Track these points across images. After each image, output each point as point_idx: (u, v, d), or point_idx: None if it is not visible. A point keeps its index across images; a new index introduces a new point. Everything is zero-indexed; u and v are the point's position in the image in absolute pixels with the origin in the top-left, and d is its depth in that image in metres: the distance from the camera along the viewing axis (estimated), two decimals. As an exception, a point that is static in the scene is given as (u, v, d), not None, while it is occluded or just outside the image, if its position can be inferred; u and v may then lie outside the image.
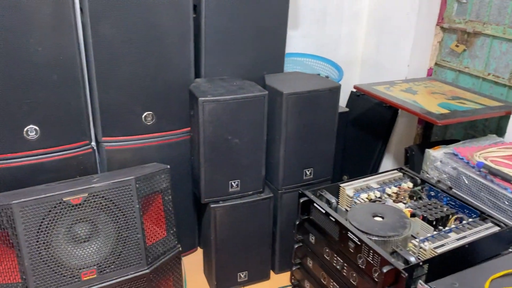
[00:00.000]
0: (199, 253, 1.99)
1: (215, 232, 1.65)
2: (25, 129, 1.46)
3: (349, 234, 1.20)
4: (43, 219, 1.24)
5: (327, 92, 1.61)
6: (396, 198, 1.42)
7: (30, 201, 1.22)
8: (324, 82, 1.68)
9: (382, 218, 1.27)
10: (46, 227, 1.25)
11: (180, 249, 1.55)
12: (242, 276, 1.76)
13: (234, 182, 1.62)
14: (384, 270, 1.06)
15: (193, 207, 1.91)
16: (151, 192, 1.43)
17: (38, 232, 1.24)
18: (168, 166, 1.51)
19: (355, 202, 1.39)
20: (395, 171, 1.54)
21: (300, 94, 1.56)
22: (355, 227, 1.22)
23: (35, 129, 1.47)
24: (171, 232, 1.53)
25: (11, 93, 1.40)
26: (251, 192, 1.67)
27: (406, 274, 1.03)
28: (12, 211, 1.20)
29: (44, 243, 1.25)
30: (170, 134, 1.71)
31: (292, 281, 1.52)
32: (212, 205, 1.62)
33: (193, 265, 1.91)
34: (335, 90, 1.63)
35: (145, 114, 1.63)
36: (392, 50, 2.22)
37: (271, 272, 1.85)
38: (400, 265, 1.07)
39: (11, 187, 1.48)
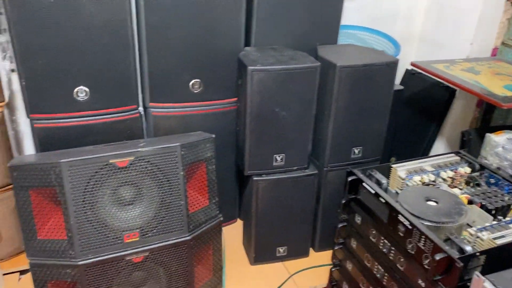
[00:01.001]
0: (238, 225, 1.98)
1: (256, 205, 1.63)
2: (75, 90, 1.47)
3: (400, 217, 1.14)
4: (90, 179, 1.25)
5: (383, 66, 1.52)
6: (452, 183, 1.33)
7: (78, 161, 1.23)
8: (380, 56, 1.59)
9: (436, 202, 1.20)
10: (92, 187, 1.26)
11: (222, 219, 1.53)
12: (281, 251, 1.73)
13: (279, 156, 1.58)
14: (437, 258, 1.00)
15: (235, 179, 1.89)
16: (196, 160, 1.42)
17: (84, 191, 1.25)
18: (213, 136, 1.48)
19: (407, 185, 1.31)
20: (452, 154, 1.45)
21: (355, 68, 1.48)
22: (406, 210, 1.15)
23: (85, 91, 1.48)
24: (213, 201, 1.51)
25: (63, 54, 1.41)
26: (295, 168, 1.62)
27: (461, 264, 0.96)
28: (61, 170, 1.22)
29: (89, 203, 1.26)
30: (216, 103, 1.68)
31: (334, 260, 1.48)
32: (255, 178, 1.59)
33: (232, 236, 1.90)
34: (393, 65, 1.53)
35: (192, 81, 1.60)
36: (454, 26, 2.07)
37: (311, 250, 1.81)
38: (455, 254, 1.00)
39: (60, 146, 1.51)
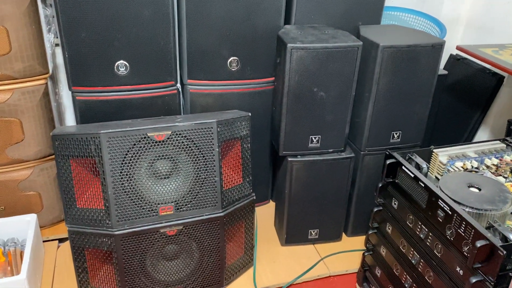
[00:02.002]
0: (270, 206, 1.98)
1: (290, 186, 1.61)
2: (116, 64, 1.49)
3: (440, 202, 1.10)
4: (128, 151, 1.28)
5: (429, 48, 1.46)
6: (496, 170, 1.27)
7: (117, 133, 1.26)
8: (426, 37, 1.53)
9: (479, 189, 1.15)
10: (130, 159, 1.28)
11: (255, 197, 1.53)
12: (313, 233, 1.72)
13: (315, 138, 1.56)
14: (478, 245, 0.96)
15: (269, 160, 1.89)
16: (231, 138, 1.42)
17: (122, 163, 1.28)
18: (249, 114, 1.47)
19: (448, 171, 1.26)
20: (498, 141, 1.38)
21: (398, 48, 1.42)
22: (447, 195, 1.11)
23: (125, 65, 1.50)
24: (247, 180, 1.51)
25: (105, 28, 1.43)
26: (331, 150, 1.60)
27: (504, 252, 0.92)
28: (100, 140, 1.25)
29: (127, 174, 1.29)
30: (253, 82, 1.67)
31: (367, 245, 1.45)
32: (289, 159, 1.57)
33: (264, 216, 1.91)
34: (439, 47, 1.47)
35: (230, 59, 1.59)
36: (506, 9, 1.96)
37: (343, 234, 1.79)
38: (498, 241, 0.95)
39: (100, 119, 1.55)
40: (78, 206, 1.35)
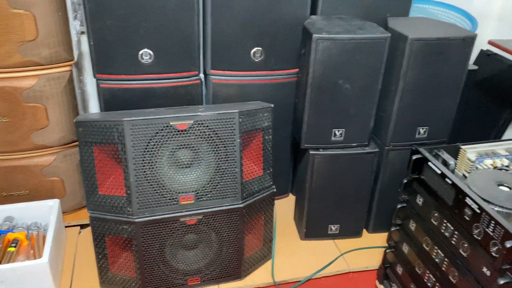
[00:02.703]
0: (290, 199, 1.96)
1: (311, 180, 1.59)
2: (140, 53, 1.49)
3: (467, 200, 1.06)
4: (150, 139, 1.28)
5: (459, 41, 1.41)
6: (528, 170, 1.23)
7: (140, 121, 1.26)
8: (456, 30, 1.48)
9: (510, 188, 1.11)
10: (152, 147, 1.28)
11: (275, 190, 1.52)
12: (333, 228, 1.70)
13: (338, 131, 1.53)
14: (508, 245, 0.93)
15: (290, 153, 1.87)
16: (253, 129, 1.40)
17: (144, 151, 1.28)
18: (272, 105, 1.46)
19: (476, 168, 1.22)
20: (530, 140, 1.33)
21: (427, 41, 1.38)
22: (475, 193, 1.07)
23: (150, 53, 1.50)
24: (268, 172, 1.50)
25: (130, 16, 1.43)
26: (355, 144, 1.57)
27: (536, 254, 0.89)
28: (123, 128, 1.25)
29: (149, 162, 1.29)
30: (277, 73, 1.65)
31: (389, 242, 1.42)
32: (311, 152, 1.55)
33: (283, 210, 1.89)
34: (470, 40, 1.42)
35: (254, 49, 1.57)
36: (541, 4, 1.89)
37: (364, 231, 1.76)
38: (529, 243, 0.92)
39: (123, 107, 1.55)
40: (99, 193, 1.35)
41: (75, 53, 1.55)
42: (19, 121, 1.50)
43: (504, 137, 2.03)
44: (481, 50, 2.10)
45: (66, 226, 1.70)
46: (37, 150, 1.58)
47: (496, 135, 2.00)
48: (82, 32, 1.64)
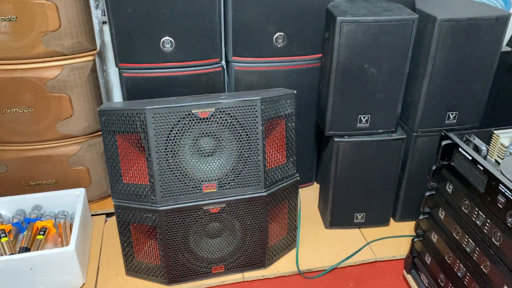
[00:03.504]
0: (314, 187, 1.94)
1: (336, 168, 1.56)
2: (162, 40, 1.49)
3: (501, 187, 1.01)
4: (173, 128, 1.27)
5: (492, 22, 1.34)
6: None
7: (162, 109, 1.25)
8: (488, 9, 1.40)
9: (546, 175, 1.05)
10: (175, 136, 1.28)
11: (298, 178, 1.50)
12: (359, 217, 1.66)
13: (364, 117, 1.49)
14: (544, 234, 0.88)
15: (314, 141, 1.84)
16: (275, 116, 1.38)
17: (167, 140, 1.27)
18: (295, 92, 1.43)
19: (510, 154, 1.17)
20: None
21: (457, 21, 1.32)
22: (509, 180, 1.02)
23: (171, 41, 1.49)
24: (291, 160, 1.47)
25: (150, 4, 1.42)
26: (381, 131, 1.52)
27: None
28: (145, 117, 1.25)
29: (171, 151, 1.28)
30: (300, 59, 1.61)
31: (417, 230, 1.38)
32: (336, 139, 1.52)
33: (307, 198, 1.87)
34: (503, 20, 1.35)
35: (276, 35, 1.54)
36: None
37: (391, 219, 1.72)
38: None
39: (146, 96, 1.56)
40: (124, 182, 1.36)
41: (98, 43, 1.56)
42: (44, 111, 1.52)
43: (539, 122, 1.94)
44: (515, 31, 2.00)
45: (92, 215, 1.73)
46: (63, 140, 1.61)
47: (531, 120, 1.92)
48: (104, 22, 1.65)
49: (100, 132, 1.65)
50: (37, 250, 1.43)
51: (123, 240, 1.42)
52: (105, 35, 1.74)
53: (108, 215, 1.77)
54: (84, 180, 1.69)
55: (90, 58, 1.53)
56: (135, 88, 1.55)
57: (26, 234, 1.49)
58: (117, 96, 1.90)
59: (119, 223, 1.39)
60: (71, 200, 1.59)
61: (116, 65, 1.53)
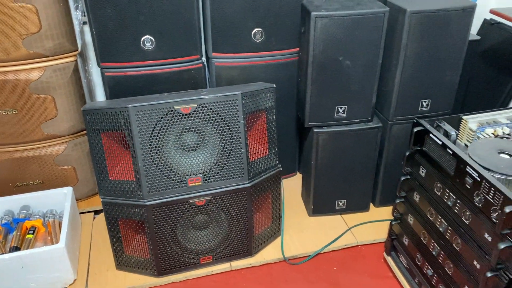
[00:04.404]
0: (297, 178, 1.99)
1: (316, 157, 1.62)
2: (142, 39, 1.52)
3: (468, 169, 1.08)
4: (156, 124, 1.31)
5: (459, 12, 1.40)
6: (529, 137, 1.23)
7: (145, 106, 1.28)
8: (455, 0, 1.47)
9: (510, 155, 1.12)
10: (158, 132, 1.32)
11: (281, 168, 1.55)
12: (340, 204, 1.73)
13: (341, 108, 1.55)
14: (507, 210, 0.95)
15: (295, 132, 1.89)
16: (256, 110, 1.43)
17: (151, 136, 1.31)
18: (274, 85, 1.47)
19: (478, 137, 1.24)
20: (532, 107, 1.34)
21: (426, 13, 1.38)
22: (476, 162, 1.09)
23: (151, 40, 1.52)
24: (273, 151, 1.52)
25: (130, 4, 1.45)
26: (358, 120, 1.58)
27: (534, 218, 0.91)
28: (129, 114, 1.28)
29: (156, 147, 1.32)
30: (278, 53, 1.66)
31: (395, 214, 1.45)
32: (315, 130, 1.57)
33: (291, 188, 1.92)
34: (469, 10, 1.41)
35: (254, 30, 1.58)
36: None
37: (371, 205, 1.79)
38: (528, 207, 0.94)
39: (128, 95, 1.58)
40: (110, 179, 1.40)
41: (79, 43, 1.58)
42: (29, 112, 1.54)
43: (510, 106, 2.03)
44: (485, 20, 2.08)
45: (80, 213, 1.76)
46: (48, 140, 1.63)
47: (502, 105, 2.00)
48: (84, 22, 1.67)
49: (85, 131, 1.68)
50: (27, 249, 1.46)
51: (112, 236, 1.45)
52: (86, 36, 1.75)
53: (96, 212, 1.80)
54: (71, 179, 1.72)
55: (72, 59, 1.56)
56: (117, 87, 1.58)
57: (16, 234, 1.51)
58: (100, 95, 1.92)
59: (108, 219, 1.43)
60: (59, 199, 1.62)
61: (98, 65, 1.55)
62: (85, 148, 1.70)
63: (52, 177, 1.69)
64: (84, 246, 1.62)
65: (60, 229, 1.50)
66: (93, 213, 1.79)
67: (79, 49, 1.58)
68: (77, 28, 1.56)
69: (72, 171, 1.71)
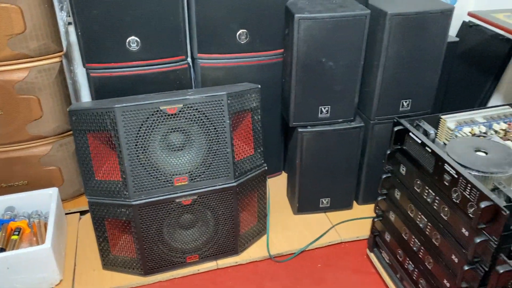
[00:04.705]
0: (283, 177, 2.02)
1: (300, 156, 1.65)
2: (128, 40, 1.52)
3: (446, 167, 1.12)
4: (142, 124, 1.32)
5: (438, 15, 1.45)
6: (504, 135, 1.28)
7: (131, 107, 1.30)
8: (434, 3, 1.51)
9: (486, 153, 1.16)
10: (144, 132, 1.33)
11: (266, 168, 1.57)
12: (325, 202, 1.76)
13: (325, 108, 1.58)
14: (482, 206, 0.99)
15: (280, 132, 1.92)
16: (242, 110, 1.45)
17: (137, 136, 1.32)
18: (259, 86, 1.50)
19: (456, 136, 1.28)
20: (507, 106, 1.39)
21: (407, 15, 1.42)
22: (453, 159, 1.13)
23: (137, 41, 1.53)
24: (259, 151, 1.55)
25: (115, 5, 1.46)
26: (341, 120, 1.62)
27: (507, 212, 0.95)
28: (115, 115, 1.29)
29: (142, 147, 1.34)
30: (263, 54, 1.68)
31: (376, 211, 1.49)
32: (300, 129, 1.60)
33: (276, 187, 1.95)
34: (448, 13, 1.46)
35: (239, 32, 1.61)
36: (520, -27, 1.92)
37: (354, 203, 1.83)
38: (501, 202, 0.98)
39: (114, 95, 1.59)
40: (96, 179, 1.40)
41: (64, 44, 1.58)
42: (14, 113, 1.54)
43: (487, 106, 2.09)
44: (463, 22, 2.14)
45: (66, 214, 1.75)
46: (34, 141, 1.63)
47: (480, 104, 2.06)
48: (70, 23, 1.67)
49: (71, 132, 1.68)
50: (12, 250, 1.46)
51: (98, 236, 1.46)
52: (71, 36, 1.75)
53: (82, 212, 1.80)
54: (57, 179, 1.72)
55: (57, 59, 1.56)
56: (103, 88, 1.58)
57: (1, 235, 1.51)
58: (85, 96, 1.92)
59: (94, 219, 1.44)
60: (44, 200, 1.62)
61: (84, 66, 1.56)
62: (70, 148, 1.70)
63: (37, 178, 1.69)
64: (70, 246, 1.62)
65: (45, 230, 1.50)
66: (78, 213, 1.79)
67: (64, 49, 1.58)
68: (62, 29, 1.56)
69: (58, 172, 1.71)
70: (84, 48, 1.52)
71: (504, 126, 1.30)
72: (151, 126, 1.33)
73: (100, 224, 1.44)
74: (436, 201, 1.18)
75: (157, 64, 1.60)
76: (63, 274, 1.49)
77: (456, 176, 1.09)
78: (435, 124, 1.34)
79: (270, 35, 1.64)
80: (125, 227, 1.46)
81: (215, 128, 1.39)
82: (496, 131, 1.30)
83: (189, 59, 1.66)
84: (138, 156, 1.34)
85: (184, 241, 1.49)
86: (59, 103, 1.60)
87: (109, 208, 1.40)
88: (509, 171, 1.09)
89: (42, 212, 1.64)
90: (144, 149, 1.34)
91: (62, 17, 1.58)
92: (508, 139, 1.27)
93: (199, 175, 1.42)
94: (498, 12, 1.76)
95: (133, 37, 1.53)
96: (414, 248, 1.30)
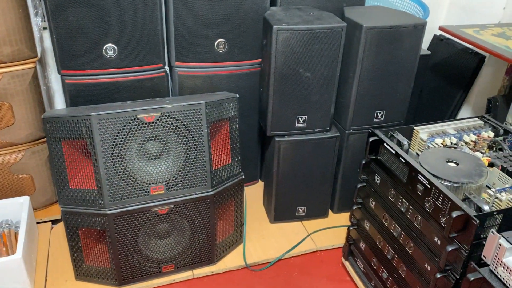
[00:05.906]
0: (259, 185, 2.03)
1: (277, 165, 1.66)
2: (105, 47, 1.51)
3: (419, 177, 1.15)
4: (118, 133, 1.31)
5: (411, 29, 1.49)
6: (474, 146, 1.33)
7: (107, 115, 1.28)
8: (408, 18, 1.56)
9: (457, 164, 1.20)
10: (121, 141, 1.31)
11: (243, 177, 1.58)
12: (301, 210, 1.78)
13: (301, 118, 1.60)
14: (454, 215, 1.02)
15: (257, 141, 1.93)
16: (219, 119, 1.45)
17: (113, 144, 1.31)
18: (237, 95, 1.51)
19: (428, 147, 1.32)
20: (476, 118, 1.44)
21: (381, 29, 1.46)
22: (426, 170, 1.16)
23: (113, 48, 1.52)
24: (236, 160, 1.55)
25: (92, 11, 1.44)
26: (317, 130, 1.64)
27: (478, 221, 0.98)
28: (91, 123, 1.27)
29: (118, 155, 1.32)
30: (241, 64, 1.70)
31: (352, 220, 1.51)
32: (277, 139, 1.62)
33: (253, 196, 1.96)
34: (420, 27, 1.51)
35: (217, 41, 1.61)
36: (488, -10, 2.00)
37: (330, 211, 1.85)
38: (472, 212, 1.01)
39: (89, 103, 1.57)
40: (71, 187, 1.38)
41: (38, 50, 1.55)
42: (-16, 119, 1.50)
43: (458, 117, 2.16)
44: (435, 35, 2.21)
45: (37, 223, 1.71)
46: (4, 148, 1.58)
47: (451, 115, 2.13)
48: (44, 28, 1.64)
49: (43, 139, 1.65)
50: (-19, 261, 1.41)
51: (71, 245, 1.43)
52: (45, 42, 1.72)
53: (54, 222, 1.76)
54: (28, 187, 1.67)
55: (31, 65, 1.53)
56: (78, 95, 1.56)
57: (-32, 246, 1.46)
58: (59, 102, 1.88)
59: (67, 229, 1.41)
60: (15, 209, 1.58)
61: (58, 72, 1.53)
62: (43, 156, 1.67)
63: (8, 186, 1.64)
64: (41, 257, 1.58)
65: (16, 239, 1.46)
66: (50, 223, 1.75)
67: (39, 55, 1.55)
68: (36, 35, 1.53)
69: (29, 180, 1.67)
70: (60, 55, 1.49)
71: (473, 137, 1.35)
72: (127, 135, 1.32)
73: (74, 234, 1.41)
74: (410, 210, 1.21)
75: (134, 72, 1.59)
76: (34, 285, 1.45)
77: (429, 186, 1.12)
78: (408, 135, 1.38)
79: (248, 45, 1.66)
80: (99, 236, 1.43)
81: (192, 137, 1.39)
82: (466, 143, 1.34)
83: (166, 67, 1.65)
84: (114, 164, 1.32)
85: (160, 250, 1.48)
86: (32, 110, 1.57)
87: (83, 217, 1.37)
88: (479, 182, 1.13)
89: (13, 221, 1.59)
90: (120, 158, 1.32)
91: (37, 22, 1.55)
92: (478, 150, 1.31)
93: (176, 184, 1.41)
94: (468, 27, 1.83)
95: (110, 44, 1.51)
96: (388, 256, 1.33)
